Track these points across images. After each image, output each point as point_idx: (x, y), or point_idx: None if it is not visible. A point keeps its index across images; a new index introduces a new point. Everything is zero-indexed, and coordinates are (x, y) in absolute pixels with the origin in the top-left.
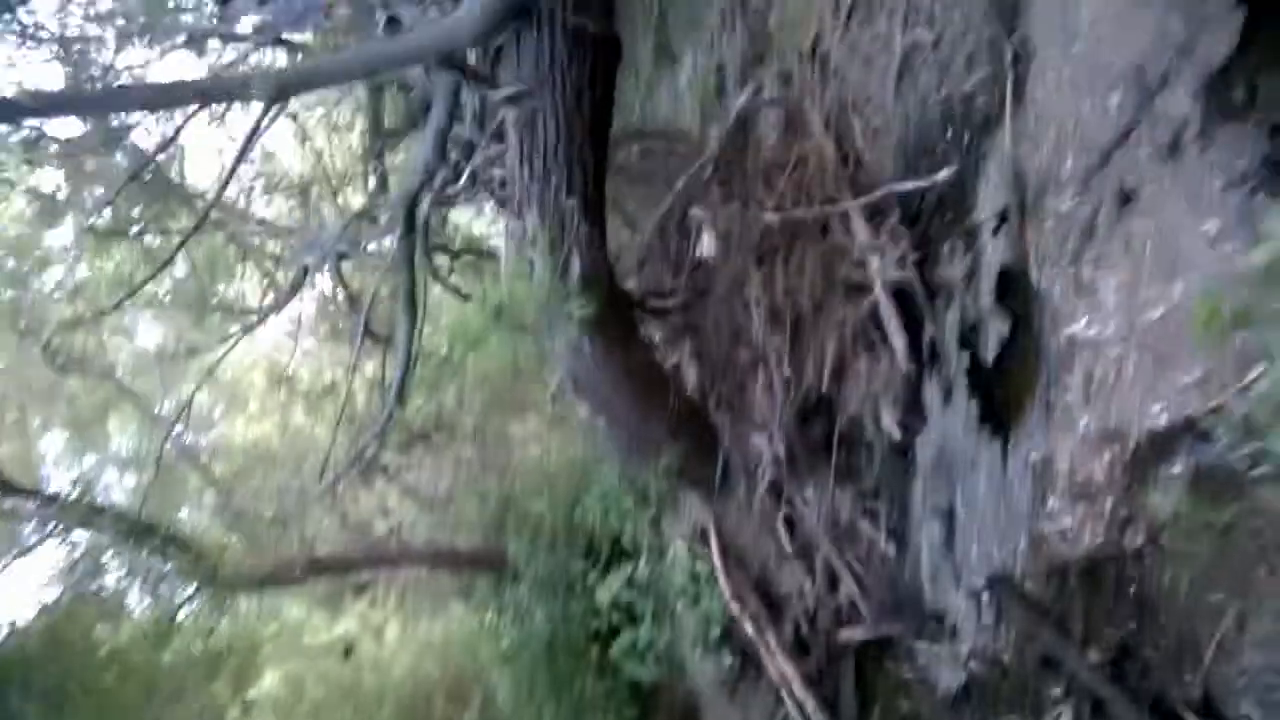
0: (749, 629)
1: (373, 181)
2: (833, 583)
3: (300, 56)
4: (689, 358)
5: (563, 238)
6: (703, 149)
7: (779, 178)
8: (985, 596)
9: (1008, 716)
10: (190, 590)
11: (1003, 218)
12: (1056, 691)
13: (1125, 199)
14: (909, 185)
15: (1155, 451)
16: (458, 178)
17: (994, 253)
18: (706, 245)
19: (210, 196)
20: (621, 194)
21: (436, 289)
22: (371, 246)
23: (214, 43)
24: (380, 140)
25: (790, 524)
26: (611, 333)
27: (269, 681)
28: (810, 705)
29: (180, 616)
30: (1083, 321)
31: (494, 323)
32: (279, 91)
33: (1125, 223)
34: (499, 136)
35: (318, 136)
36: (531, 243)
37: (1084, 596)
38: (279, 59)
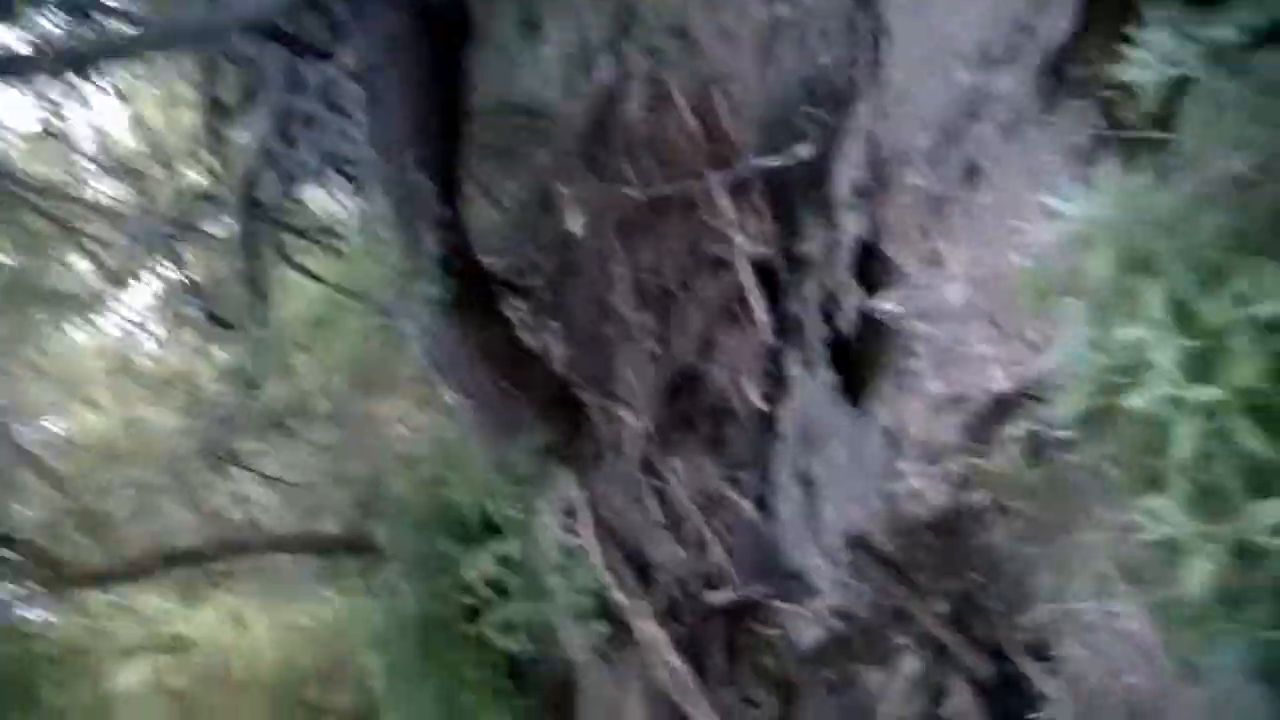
0: (621, 598)
1: (212, 160)
2: (701, 550)
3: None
4: (556, 336)
5: (414, 216)
6: (568, 124)
7: (643, 153)
8: (842, 556)
9: (861, 667)
10: (32, 590)
11: (860, 193)
12: (905, 641)
13: (972, 174)
14: (770, 161)
15: (996, 415)
16: (303, 156)
17: (851, 227)
18: (572, 222)
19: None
20: (483, 171)
21: (286, 270)
22: (214, 229)
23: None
24: (218, 117)
25: (660, 496)
26: (470, 312)
27: (130, 677)
28: (680, 667)
29: (27, 617)
30: (933, 292)
31: (347, 304)
32: (72, 62)
33: (972, 197)
34: (344, 112)
35: (152, 114)
36: (382, 221)
37: (931, 552)
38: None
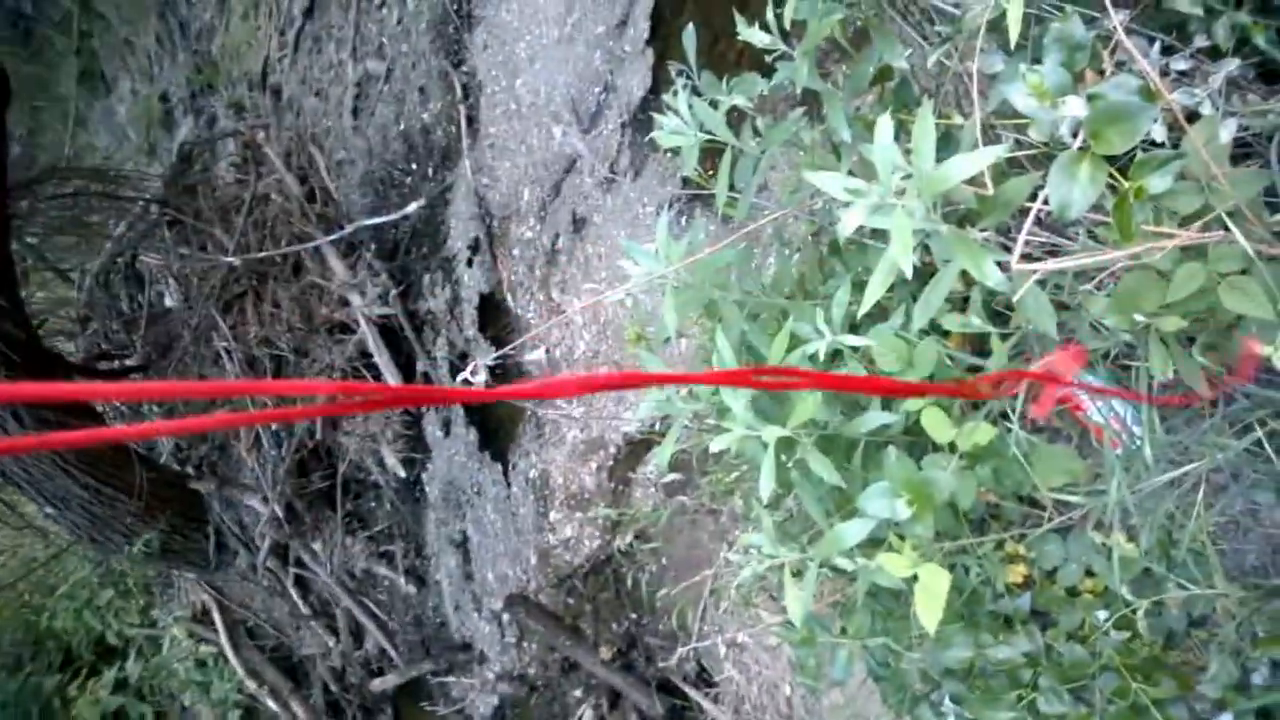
0: (271, 704)
1: None
2: (357, 635)
3: None
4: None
5: None
6: (147, 188)
7: (238, 216)
8: (505, 617)
9: None
10: None
11: (474, 248)
12: (578, 693)
13: (578, 225)
14: (380, 219)
15: (630, 458)
16: None
17: (471, 282)
18: (166, 295)
19: None
20: (48, 244)
21: None
22: None
23: None
24: None
25: (302, 584)
26: (44, 409)
27: None
28: None
29: None
30: (556, 340)
31: None
32: None
33: (580, 248)
34: None
35: None
36: None
37: (590, 599)
38: None
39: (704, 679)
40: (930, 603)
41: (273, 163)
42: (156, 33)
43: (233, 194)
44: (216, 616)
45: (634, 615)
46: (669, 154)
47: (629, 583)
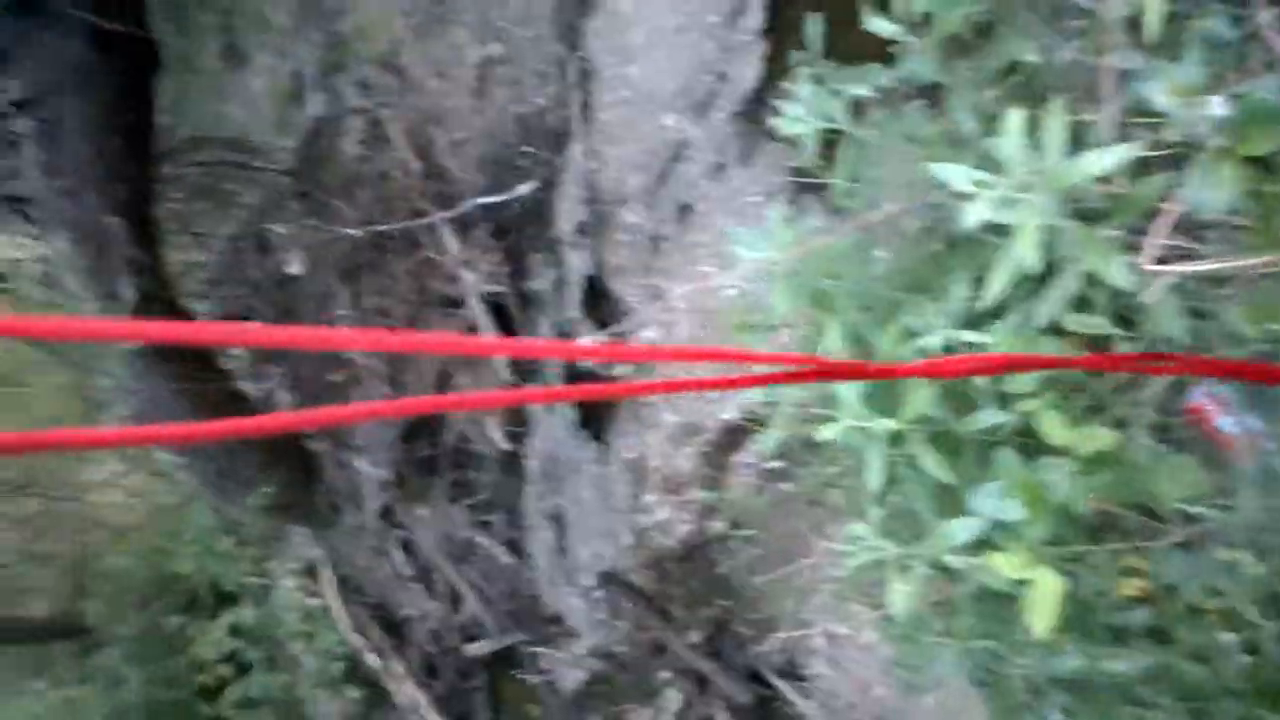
0: (373, 660)
1: None
2: (455, 600)
3: None
4: (280, 383)
5: (105, 260)
6: (279, 160)
7: (361, 190)
8: (597, 594)
9: (625, 706)
10: None
11: (581, 230)
12: (666, 675)
13: (683, 212)
14: (493, 199)
15: (727, 443)
16: None
17: (577, 264)
18: (290, 263)
19: None
20: (188, 210)
21: None
22: None
23: None
24: None
25: (406, 547)
26: (179, 363)
27: None
28: None
29: None
30: (658, 326)
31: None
32: None
33: (685, 234)
34: (14, 146)
35: None
36: (69, 266)
37: (682, 582)
38: None
39: (793, 671)
40: (1042, 607)
41: (395, 140)
42: (291, 10)
43: (356, 169)
44: (325, 572)
45: (725, 602)
46: (779, 143)
47: (721, 568)
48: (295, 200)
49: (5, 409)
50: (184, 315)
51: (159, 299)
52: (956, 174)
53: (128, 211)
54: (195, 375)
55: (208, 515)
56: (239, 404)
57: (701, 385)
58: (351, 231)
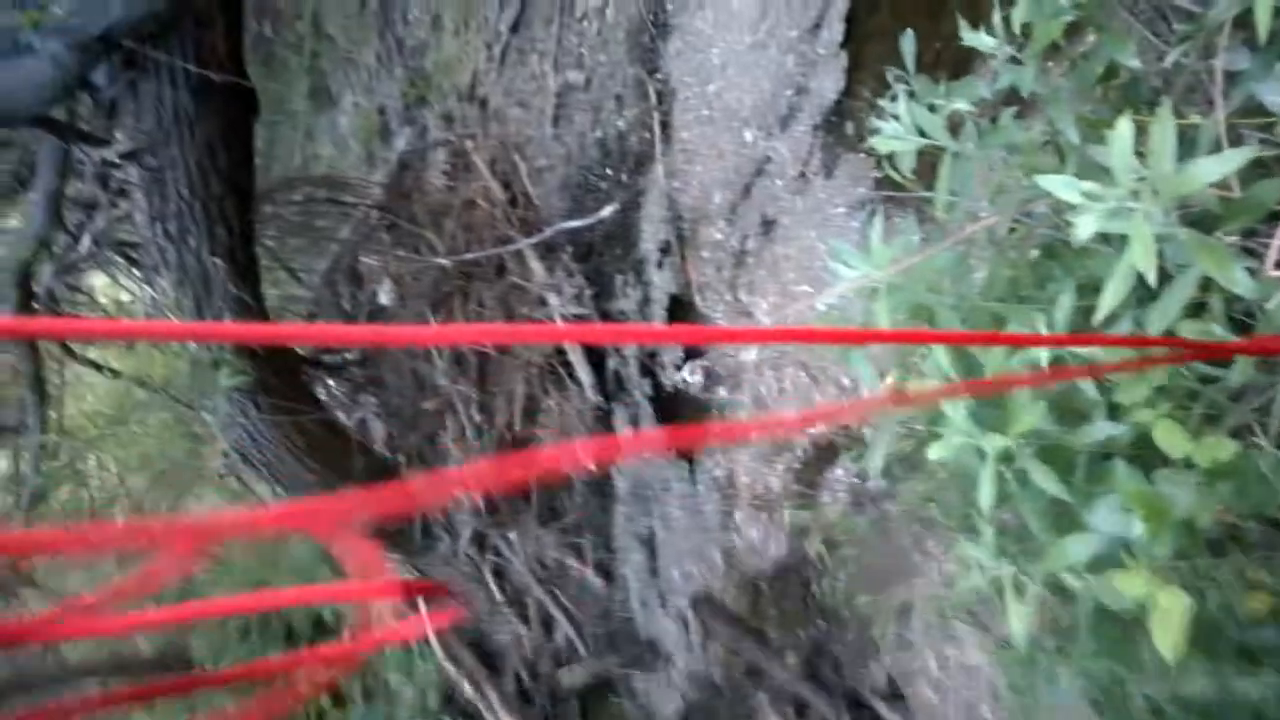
0: (468, 689)
1: None
2: (548, 626)
3: None
4: (373, 413)
5: (209, 300)
6: (368, 194)
7: (448, 220)
8: (690, 617)
9: None
10: None
11: (665, 249)
12: (765, 698)
13: (767, 227)
14: (576, 223)
15: (819, 461)
16: (89, 242)
17: (661, 283)
18: (382, 294)
19: None
20: (282, 247)
21: (75, 365)
22: None
23: None
24: None
25: (498, 573)
26: (277, 396)
27: None
28: None
29: None
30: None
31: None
32: None
33: (769, 249)
34: (124, 195)
35: None
36: (172, 308)
37: (776, 604)
38: None
39: (895, 694)
40: (1170, 627)
41: (479, 170)
42: (376, 51)
43: (443, 199)
44: (420, 599)
45: (821, 623)
46: (860, 154)
47: (817, 589)
48: (385, 232)
49: (118, 446)
50: (283, 350)
51: None
52: (1063, 185)
53: (229, 252)
54: (292, 408)
55: (306, 546)
56: (332, 434)
57: (807, 420)
58: (440, 260)
